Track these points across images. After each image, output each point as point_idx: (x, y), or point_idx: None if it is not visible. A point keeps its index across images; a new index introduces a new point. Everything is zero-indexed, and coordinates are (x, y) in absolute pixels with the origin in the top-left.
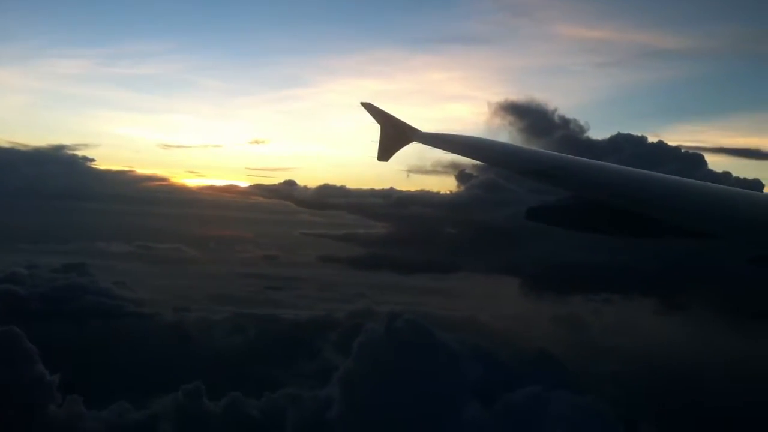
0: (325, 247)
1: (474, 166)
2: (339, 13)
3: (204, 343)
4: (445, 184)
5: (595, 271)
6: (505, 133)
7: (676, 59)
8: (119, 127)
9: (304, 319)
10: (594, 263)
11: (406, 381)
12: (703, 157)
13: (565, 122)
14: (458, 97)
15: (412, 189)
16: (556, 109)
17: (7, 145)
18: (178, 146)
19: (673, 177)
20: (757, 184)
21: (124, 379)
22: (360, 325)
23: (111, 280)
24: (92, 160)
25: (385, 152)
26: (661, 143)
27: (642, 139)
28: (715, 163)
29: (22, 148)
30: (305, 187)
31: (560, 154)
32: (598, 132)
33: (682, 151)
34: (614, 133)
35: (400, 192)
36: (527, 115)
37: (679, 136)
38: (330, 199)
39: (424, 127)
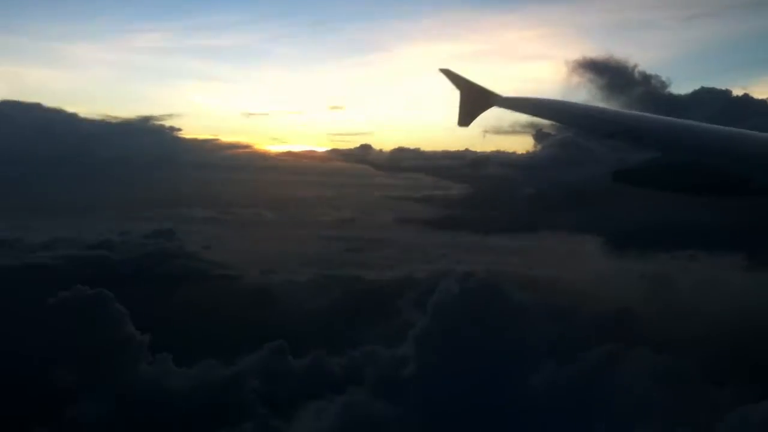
0: (404, 209)
1: (552, 125)
2: None
3: (288, 303)
4: (522, 144)
5: (681, 229)
6: (584, 91)
7: None
8: (203, 97)
9: (386, 280)
10: (680, 221)
11: (479, 340)
12: None
13: (646, 78)
14: (535, 57)
15: (488, 150)
16: (636, 66)
17: (98, 118)
18: (261, 113)
19: (761, 134)
20: None
21: (211, 338)
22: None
23: (198, 245)
24: (179, 129)
25: (466, 117)
26: (746, 96)
27: (725, 93)
28: None
29: (113, 120)
30: (381, 150)
31: (644, 114)
32: (681, 87)
33: None
34: (697, 87)
35: (476, 153)
36: (606, 73)
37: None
38: (406, 162)
39: (501, 88)
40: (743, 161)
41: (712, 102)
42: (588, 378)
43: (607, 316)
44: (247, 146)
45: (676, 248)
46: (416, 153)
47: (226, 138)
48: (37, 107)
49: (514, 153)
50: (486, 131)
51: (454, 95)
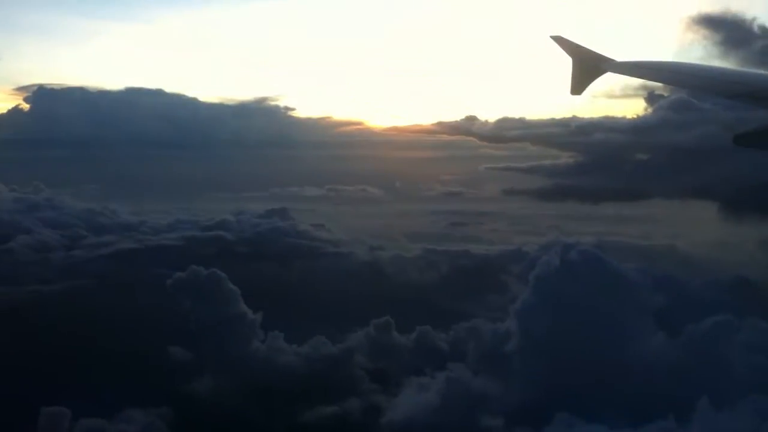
0: (511, 181)
1: (664, 86)
2: None
3: (398, 279)
4: (630, 108)
5: None
6: (699, 48)
7: None
8: (317, 76)
9: (495, 253)
10: None
11: (583, 313)
12: None
13: (766, 32)
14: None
15: (595, 116)
16: (755, 18)
17: (216, 101)
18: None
19: None
20: None
21: (322, 315)
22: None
23: (310, 223)
24: (293, 109)
25: (579, 85)
26: None
27: None
28: None
29: (230, 103)
30: (486, 121)
31: None
32: None
33: None
34: None
35: (582, 119)
36: (723, 28)
37: None
38: (511, 132)
39: (612, 51)
40: None
41: None
42: (696, 350)
43: (721, 287)
44: (358, 123)
45: None
46: (521, 122)
47: (338, 116)
48: (159, 93)
49: (623, 118)
50: (594, 96)
51: (561, 62)
